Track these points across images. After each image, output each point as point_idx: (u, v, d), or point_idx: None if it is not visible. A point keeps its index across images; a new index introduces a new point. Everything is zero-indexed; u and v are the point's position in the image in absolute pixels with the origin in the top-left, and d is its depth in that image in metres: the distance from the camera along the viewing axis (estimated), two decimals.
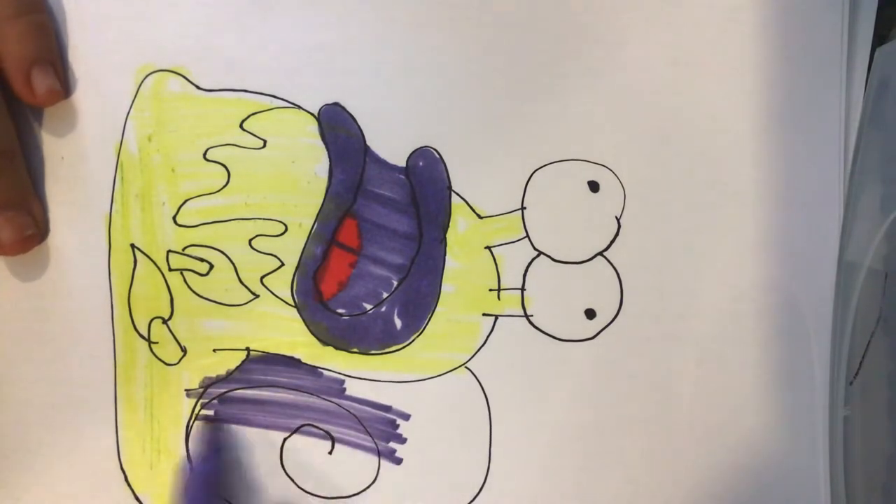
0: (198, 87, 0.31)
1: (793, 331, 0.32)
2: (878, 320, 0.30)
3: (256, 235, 0.31)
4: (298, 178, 0.31)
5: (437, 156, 0.31)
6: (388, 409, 0.31)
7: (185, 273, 0.31)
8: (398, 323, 0.31)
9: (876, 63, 0.31)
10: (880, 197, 0.30)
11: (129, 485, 0.31)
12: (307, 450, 0.31)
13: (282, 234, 0.31)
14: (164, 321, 0.31)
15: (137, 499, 0.31)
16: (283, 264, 0.31)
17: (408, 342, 0.31)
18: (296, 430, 0.31)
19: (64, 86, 0.30)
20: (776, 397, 0.31)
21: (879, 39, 0.32)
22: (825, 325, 0.32)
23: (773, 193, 0.32)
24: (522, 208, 0.32)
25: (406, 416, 0.31)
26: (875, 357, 0.30)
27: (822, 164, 0.32)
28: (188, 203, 0.31)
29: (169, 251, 0.31)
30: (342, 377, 0.31)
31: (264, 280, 0.31)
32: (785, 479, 0.31)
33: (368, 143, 0.31)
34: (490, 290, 0.32)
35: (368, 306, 0.31)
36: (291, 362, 0.31)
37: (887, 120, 0.30)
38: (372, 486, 0.31)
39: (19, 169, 0.30)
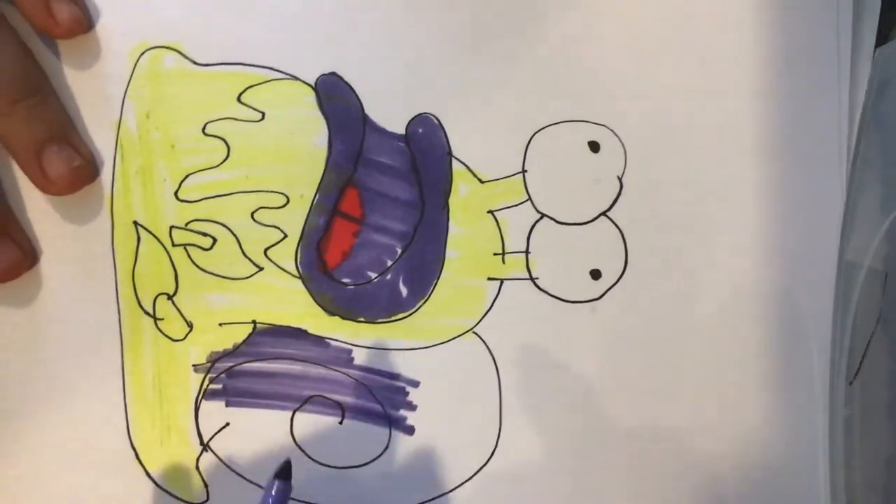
0: (193, 63, 0.31)
1: (793, 331, 0.31)
2: (878, 320, 0.30)
3: (258, 208, 0.31)
4: (298, 149, 0.31)
5: (436, 122, 0.31)
6: (396, 376, 0.31)
7: (188, 248, 0.31)
8: (404, 290, 0.31)
9: (876, 63, 0.31)
10: (880, 197, 0.30)
11: (140, 462, 0.31)
12: (318, 420, 0.31)
13: (284, 205, 0.31)
14: (169, 297, 0.31)
15: (149, 475, 0.31)
16: (286, 236, 0.31)
17: (414, 309, 0.31)
18: (305, 402, 0.31)
19: (85, 15, 0.30)
20: (776, 397, 0.31)
21: (884, 41, 0.32)
22: (825, 325, 0.31)
23: (773, 192, 0.31)
24: (523, 171, 0.32)
25: (415, 384, 0.31)
26: (875, 357, 0.30)
27: (822, 164, 0.31)
28: (189, 178, 0.31)
29: (172, 227, 0.31)
30: (350, 347, 0.31)
31: (268, 252, 0.31)
32: (785, 479, 0.31)
33: (367, 111, 0.31)
34: (494, 254, 0.32)
35: (373, 275, 0.31)
36: (298, 333, 0.31)
37: (887, 120, 0.30)
38: (384, 454, 0.31)
39: (54, 104, 0.30)
